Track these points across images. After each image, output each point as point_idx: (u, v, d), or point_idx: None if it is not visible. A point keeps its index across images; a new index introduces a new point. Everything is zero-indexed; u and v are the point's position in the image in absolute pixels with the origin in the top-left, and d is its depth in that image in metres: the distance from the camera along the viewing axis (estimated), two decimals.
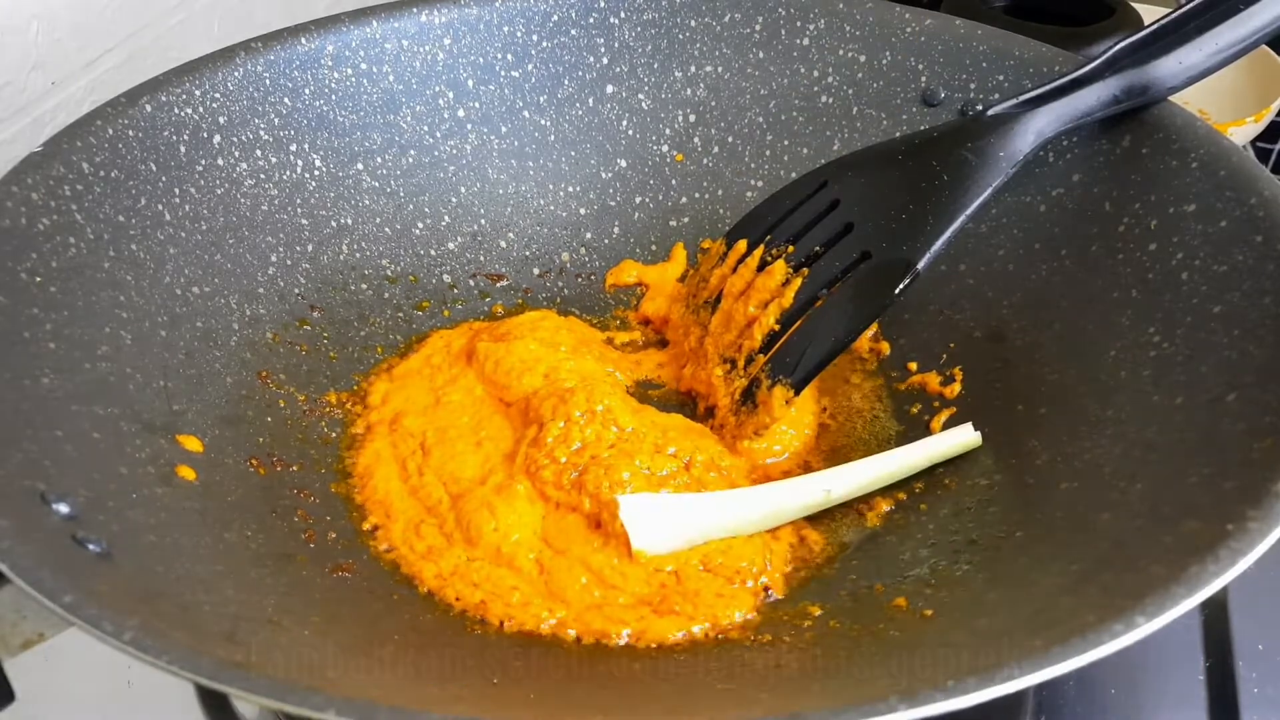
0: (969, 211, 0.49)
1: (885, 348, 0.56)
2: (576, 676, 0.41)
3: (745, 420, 0.52)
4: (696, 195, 0.63)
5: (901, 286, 0.49)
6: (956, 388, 0.52)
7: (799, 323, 0.52)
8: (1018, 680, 0.28)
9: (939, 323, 0.55)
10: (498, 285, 0.61)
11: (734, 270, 0.56)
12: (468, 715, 0.32)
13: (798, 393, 0.51)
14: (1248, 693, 0.47)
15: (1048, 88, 0.51)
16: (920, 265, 0.49)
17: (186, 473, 0.43)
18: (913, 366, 0.54)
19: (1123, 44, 0.50)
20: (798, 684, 0.38)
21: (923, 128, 0.57)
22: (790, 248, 0.54)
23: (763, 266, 0.54)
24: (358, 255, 0.58)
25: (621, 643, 0.42)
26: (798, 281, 0.52)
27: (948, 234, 0.49)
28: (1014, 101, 0.51)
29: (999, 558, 0.41)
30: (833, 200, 0.54)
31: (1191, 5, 0.49)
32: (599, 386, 0.50)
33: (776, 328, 0.52)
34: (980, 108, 0.53)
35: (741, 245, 0.56)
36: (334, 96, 0.57)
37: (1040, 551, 0.40)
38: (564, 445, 0.48)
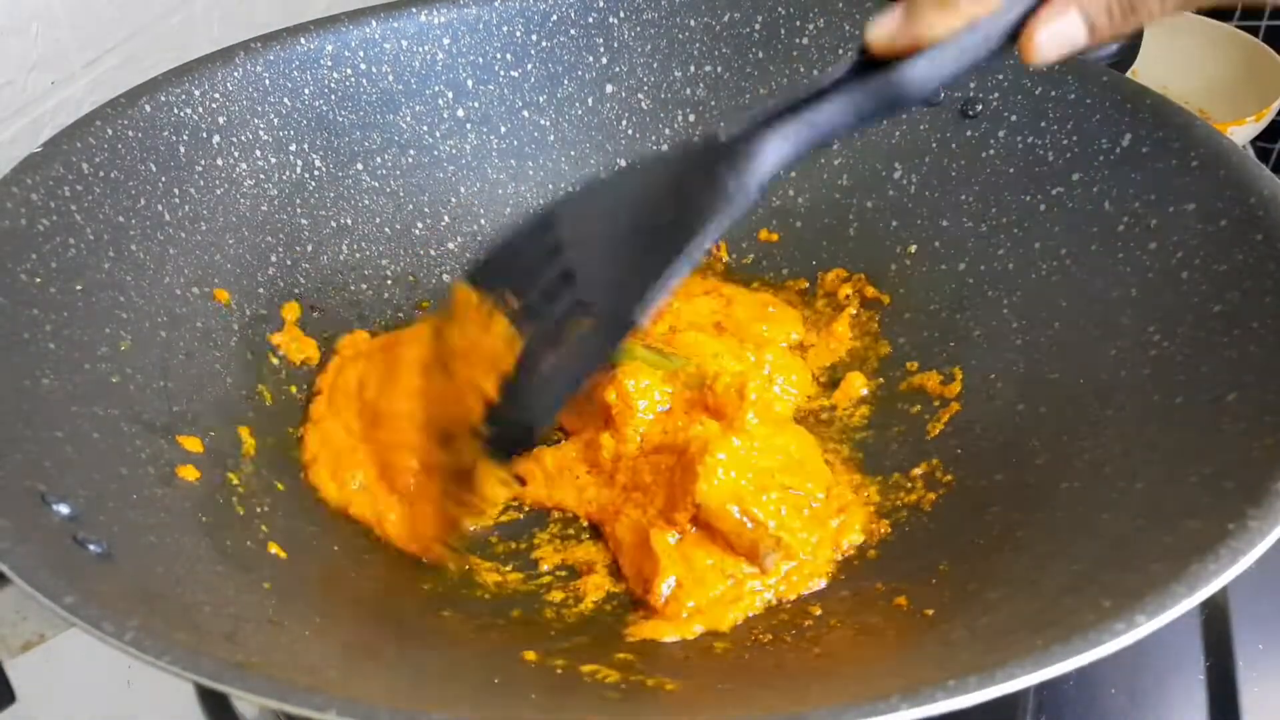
0: (692, 254, 0.42)
1: (885, 348, 0.56)
2: (577, 677, 0.41)
3: (462, 500, 0.46)
4: None
5: (618, 344, 0.43)
6: (956, 387, 0.52)
7: (514, 389, 0.45)
8: (1019, 679, 0.28)
9: (939, 323, 0.55)
10: None
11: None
12: (468, 715, 0.32)
13: (510, 468, 0.47)
14: (1248, 693, 0.47)
15: (781, 104, 0.41)
16: (636, 319, 0.42)
17: (186, 473, 0.43)
18: (913, 366, 0.54)
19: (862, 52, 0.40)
20: (798, 684, 0.38)
21: (690, 140, 0.49)
22: (515, 300, 0.46)
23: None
24: (358, 255, 0.58)
25: (622, 642, 0.42)
26: (519, 342, 0.45)
27: (668, 281, 0.42)
28: (747, 123, 0.42)
29: (999, 558, 0.41)
30: (557, 243, 0.45)
31: None
32: None
33: (494, 398, 0.45)
34: (721, 127, 0.43)
35: (472, 297, 0.47)
36: (334, 96, 0.57)
37: (1040, 551, 0.40)
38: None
